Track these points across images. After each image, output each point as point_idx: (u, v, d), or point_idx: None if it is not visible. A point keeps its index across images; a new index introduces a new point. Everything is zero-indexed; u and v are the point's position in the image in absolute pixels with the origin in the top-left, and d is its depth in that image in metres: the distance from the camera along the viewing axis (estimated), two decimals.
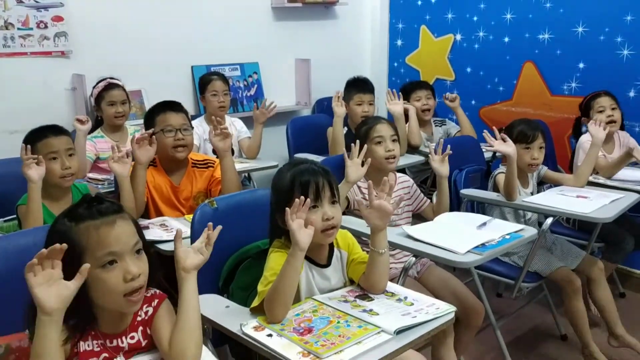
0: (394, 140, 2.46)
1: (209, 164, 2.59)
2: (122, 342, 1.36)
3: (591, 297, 2.77)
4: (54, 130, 2.26)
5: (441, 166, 2.44)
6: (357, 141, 2.45)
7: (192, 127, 2.60)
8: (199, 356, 1.34)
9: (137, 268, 1.29)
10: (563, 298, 2.61)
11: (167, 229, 2.24)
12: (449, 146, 2.48)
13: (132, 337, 1.37)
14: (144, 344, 1.38)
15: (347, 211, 2.42)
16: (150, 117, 2.52)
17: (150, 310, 1.39)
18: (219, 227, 1.46)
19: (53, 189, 2.23)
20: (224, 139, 2.49)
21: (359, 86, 3.43)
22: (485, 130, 2.61)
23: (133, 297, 1.29)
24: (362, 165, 2.39)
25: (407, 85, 3.70)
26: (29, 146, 2.15)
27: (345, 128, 3.38)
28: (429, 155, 2.49)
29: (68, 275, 1.22)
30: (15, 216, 2.23)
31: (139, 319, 1.38)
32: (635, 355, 2.68)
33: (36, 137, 2.23)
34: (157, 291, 1.43)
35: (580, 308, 2.58)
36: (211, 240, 1.44)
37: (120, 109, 3.12)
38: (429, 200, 2.58)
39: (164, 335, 1.35)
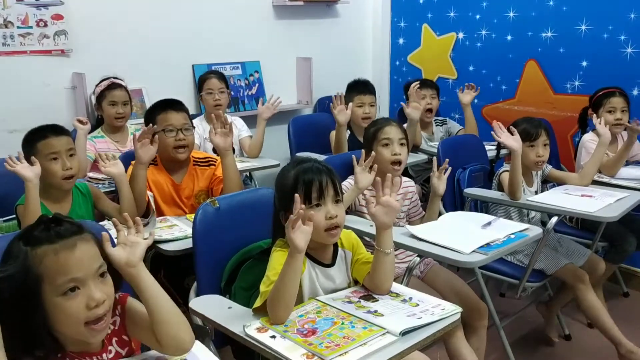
0: (402, 144, 2.41)
1: (211, 162, 2.57)
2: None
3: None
4: (55, 130, 2.22)
5: (439, 182, 2.36)
6: (363, 151, 2.38)
7: (194, 127, 2.57)
8: (191, 334, 1.31)
9: (101, 293, 1.18)
10: (575, 295, 2.56)
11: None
12: (447, 160, 2.40)
13: (110, 352, 1.30)
14: (124, 352, 1.33)
15: (349, 211, 2.40)
16: (151, 116, 2.49)
17: (118, 319, 1.33)
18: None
19: (53, 190, 2.20)
20: (224, 137, 2.46)
21: (359, 88, 3.38)
22: (495, 121, 2.60)
23: (96, 326, 1.19)
24: (370, 171, 2.33)
25: (412, 82, 3.65)
26: (20, 152, 2.11)
27: (348, 132, 3.34)
28: (432, 169, 2.41)
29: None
30: (15, 216, 2.21)
31: (108, 331, 1.30)
32: None
33: (36, 137, 2.19)
34: (117, 296, 1.31)
35: (596, 301, 2.52)
36: (135, 227, 1.35)
37: (121, 110, 3.10)
38: (423, 214, 2.54)
39: (148, 332, 1.29)
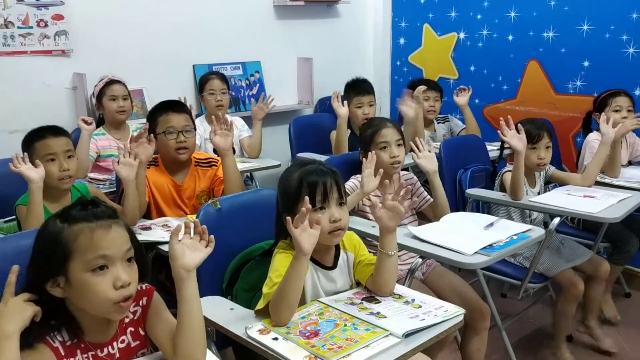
0: (399, 145, 2.42)
1: (212, 163, 2.57)
2: (113, 349, 1.31)
3: (585, 292, 2.75)
4: (53, 131, 2.22)
5: (426, 162, 2.40)
6: (371, 153, 2.34)
7: (195, 128, 2.56)
8: (205, 356, 1.32)
9: (128, 276, 1.23)
10: (560, 297, 2.59)
11: (170, 229, 2.21)
12: (419, 139, 2.46)
13: (123, 341, 1.32)
14: (133, 345, 1.34)
15: (352, 212, 2.39)
16: (152, 118, 2.49)
17: (139, 310, 1.35)
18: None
19: (52, 190, 2.20)
20: (225, 138, 2.46)
21: (357, 88, 3.38)
22: (501, 119, 2.57)
23: (123, 304, 1.23)
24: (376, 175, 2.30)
25: (416, 82, 3.66)
26: (26, 154, 2.11)
27: (349, 131, 3.34)
28: (412, 153, 2.44)
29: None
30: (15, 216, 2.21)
31: (127, 320, 1.33)
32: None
33: (35, 138, 2.19)
34: (143, 286, 1.36)
35: (571, 312, 2.61)
36: (208, 237, 1.37)
37: (122, 104, 3.11)
38: (431, 200, 2.54)
39: (164, 336, 1.32)
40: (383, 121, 2.52)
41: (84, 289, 1.20)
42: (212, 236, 1.38)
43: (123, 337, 1.32)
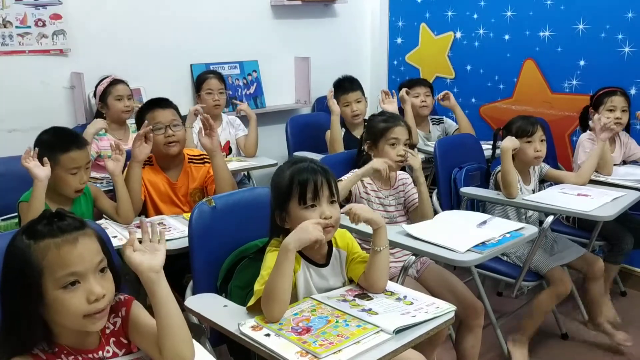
0: (406, 144, 2.46)
1: (205, 160, 2.59)
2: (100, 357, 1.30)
3: (586, 293, 2.77)
4: (77, 144, 2.21)
5: (413, 159, 2.41)
6: None
7: (183, 123, 2.60)
8: (193, 351, 1.32)
9: (102, 288, 1.20)
10: (545, 290, 2.59)
11: (166, 227, 2.23)
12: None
13: (108, 351, 1.31)
14: (121, 353, 1.33)
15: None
16: (140, 116, 2.54)
17: (119, 320, 1.33)
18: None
19: (58, 193, 2.22)
20: (211, 138, 2.48)
21: (342, 87, 3.40)
22: None
23: (96, 316, 1.21)
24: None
25: (405, 82, 3.69)
26: (36, 151, 2.12)
27: (343, 129, 3.36)
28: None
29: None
30: (14, 214, 2.22)
31: (107, 331, 1.32)
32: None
33: (59, 148, 2.16)
34: (122, 297, 1.34)
35: (549, 308, 2.66)
36: (155, 234, 1.33)
37: (127, 103, 3.14)
38: (417, 204, 2.55)
39: (148, 341, 1.30)
40: (398, 119, 2.54)
41: (57, 305, 1.18)
42: (161, 230, 1.35)
43: (108, 348, 1.32)
